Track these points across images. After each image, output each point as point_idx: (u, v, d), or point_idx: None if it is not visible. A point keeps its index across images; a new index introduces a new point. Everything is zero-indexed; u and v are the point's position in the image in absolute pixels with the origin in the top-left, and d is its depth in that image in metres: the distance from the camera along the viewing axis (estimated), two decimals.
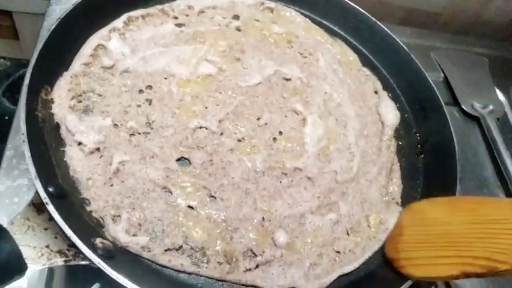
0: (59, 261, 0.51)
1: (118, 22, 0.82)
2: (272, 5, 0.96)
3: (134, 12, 0.85)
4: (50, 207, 0.50)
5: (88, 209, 0.59)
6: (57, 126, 0.66)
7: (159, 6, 0.88)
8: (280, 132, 0.75)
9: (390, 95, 0.88)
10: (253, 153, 0.71)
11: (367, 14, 0.95)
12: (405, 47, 0.90)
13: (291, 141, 0.74)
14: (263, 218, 0.64)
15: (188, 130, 0.71)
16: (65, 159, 0.63)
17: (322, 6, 0.97)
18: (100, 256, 0.50)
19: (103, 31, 0.80)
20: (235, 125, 0.74)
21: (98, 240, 0.54)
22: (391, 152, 0.78)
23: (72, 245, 0.50)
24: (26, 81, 0.61)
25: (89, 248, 0.49)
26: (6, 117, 1.41)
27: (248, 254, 0.61)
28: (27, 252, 0.50)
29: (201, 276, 0.58)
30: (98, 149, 0.65)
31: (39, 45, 0.66)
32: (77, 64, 0.74)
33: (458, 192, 0.71)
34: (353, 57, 0.92)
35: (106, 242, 0.55)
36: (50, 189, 0.53)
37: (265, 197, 0.66)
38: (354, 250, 0.65)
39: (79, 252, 0.51)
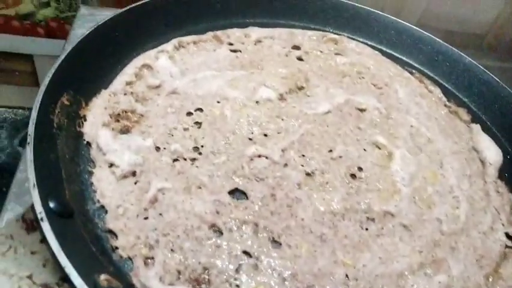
0: None
1: (168, 45, 0.73)
2: (336, 36, 0.85)
3: (186, 37, 0.76)
4: (45, 225, 0.36)
5: (114, 244, 0.44)
6: (88, 146, 0.54)
7: (211, 33, 0.79)
8: (360, 169, 0.59)
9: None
10: (328, 191, 0.55)
11: (446, 44, 0.82)
12: (496, 78, 0.76)
13: (376, 179, 0.57)
14: (347, 276, 0.46)
15: (245, 158, 0.57)
16: (91, 180, 0.50)
17: (392, 38, 0.86)
18: None
19: (151, 52, 0.71)
20: (301, 156, 0.59)
21: (102, 277, 0.38)
22: (503, 194, 0.60)
23: (64, 278, 0.35)
24: (47, 79, 0.51)
25: (88, 285, 0.34)
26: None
27: None
28: None
29: None
30: (133, 174, 0.52)
31: (69, 47, 0.57)
32: (118, 82, 0.64)
33: None
34: (435, 90, 0.78)
35: (114, 282, 0.39)
36: (51, 204, 0.40)
37: (348, 247, 0.49)
38: None
39: None
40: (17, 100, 1.31)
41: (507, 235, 0.55)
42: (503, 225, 0.56)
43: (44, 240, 0.37)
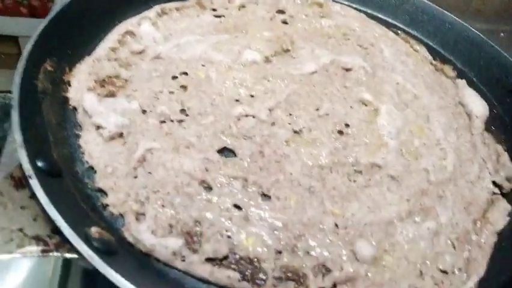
0: (34, 250, 0.36)
1: (151, 12, 0.72)
2: (321, 0, 0.85)
3: (169, 4, 0.75)
4: (34, 182, 0.37)
5: (105, 202, 0.44)
6: (74, 111, 0.54)
7: None
8: (347, 125, 0.59)
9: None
10: (315, 147, 0.55)
11: (430, 3, 0.82)
12: (481, 35, 0.76)
13: (363, 134, 0.58)
14: (336, 225, 0.47)
15: (232, 118, 0.57)
16: (79, 143, 0.49)
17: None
18: (94, 249, 0.35)
19: (133, 20, 0.70)
20: (289, 115, 0.59)
21: (94, 230, 0.39)
22: (489, 144, 0.61)
23: (56, 230, 0.35)
24: (29, 45, 0.51)
25: (79, 235, 0.35)
26: None
27: (320, 269, 0.43)
28: None
29: None
30: (121, 135, 0.52)
31: (52, 14, 0.56)
32: (102, 48, 0.63)
33: None
34: (420, 49, 0.78)
35: (105, 234, 0.39)
36: (39, 163, 0.40)
37: (336, 197, 0.50)
38: (465, 268, 0.46)
39: (64, 241, 0.35)
40: (5, 84, 1.27)
41: (494, 183, 0.56)
42: (490, 174, 0.57)
43: (33, 196, 0.37)
